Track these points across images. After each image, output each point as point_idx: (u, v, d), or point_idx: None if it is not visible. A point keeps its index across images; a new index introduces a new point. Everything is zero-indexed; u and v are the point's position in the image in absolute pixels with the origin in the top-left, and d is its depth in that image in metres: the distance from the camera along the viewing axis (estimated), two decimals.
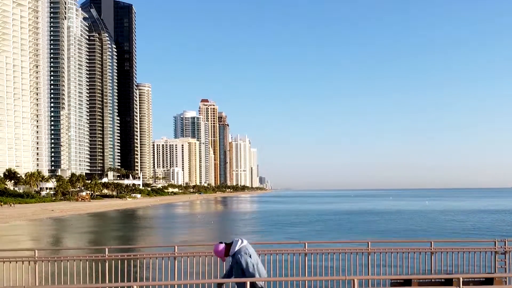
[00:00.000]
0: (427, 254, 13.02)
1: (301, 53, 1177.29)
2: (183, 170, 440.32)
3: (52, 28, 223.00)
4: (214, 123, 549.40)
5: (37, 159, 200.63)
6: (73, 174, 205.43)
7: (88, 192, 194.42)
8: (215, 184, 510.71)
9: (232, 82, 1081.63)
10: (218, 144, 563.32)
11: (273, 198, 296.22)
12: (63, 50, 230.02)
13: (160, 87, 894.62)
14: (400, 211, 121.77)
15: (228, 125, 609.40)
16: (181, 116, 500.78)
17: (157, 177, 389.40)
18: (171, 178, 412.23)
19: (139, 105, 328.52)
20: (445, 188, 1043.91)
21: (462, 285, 9.09)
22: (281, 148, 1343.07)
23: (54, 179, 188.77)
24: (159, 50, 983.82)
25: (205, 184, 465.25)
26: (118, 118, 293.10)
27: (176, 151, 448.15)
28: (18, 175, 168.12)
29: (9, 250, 17.26)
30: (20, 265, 12.90)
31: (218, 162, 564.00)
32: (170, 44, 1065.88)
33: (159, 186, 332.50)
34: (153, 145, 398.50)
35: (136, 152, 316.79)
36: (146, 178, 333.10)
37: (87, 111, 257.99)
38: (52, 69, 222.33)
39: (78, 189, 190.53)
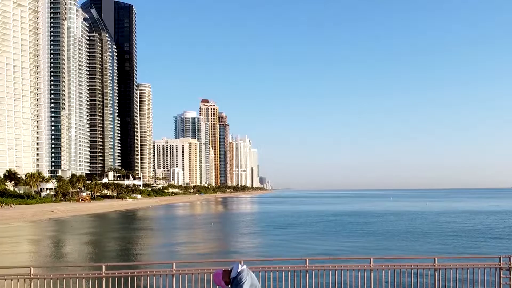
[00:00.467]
0: (431, 270, 12.82)
1: (301, 53, 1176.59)
2: (183, 171, 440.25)
3: (52, 29, 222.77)
4: (214, 123, 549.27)
5: (37, 159, 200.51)
6: (73, 175, 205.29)
7: (88, 192, 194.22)
8: (215, 184, 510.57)
9: (233, 82, 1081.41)
10: (218, 144, 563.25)
11: (273, 199, 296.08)
12: (63, 51, 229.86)
13: (160, 87, 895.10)
14: (401, 212, 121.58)
15: (228, 125, 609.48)
16: (182, 116, 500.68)
17: (158, 177, 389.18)
18: (172, 178, 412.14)
19: (140, 105, 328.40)
20: (445, 189, 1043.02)
21: None
22: (282, 148, 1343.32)
23: (54, 180, 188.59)
24: (159, 50, 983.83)
25: (206, 185, 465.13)
26: (119, 119, 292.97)
27: (176, 151, 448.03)
28: (18, 176, 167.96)
29: (3, 268, 16.81)
30: (16, 283, 12.63)
31: (219, 162, 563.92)
32: (171, 44, 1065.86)
33: (160, 186, 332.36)
34: (154, 145, 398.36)
35: (136, 153, 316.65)
36: (146, 178, 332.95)
37: (87, 112, 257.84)
38: (52, 69, 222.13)
39: (79, 189, 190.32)
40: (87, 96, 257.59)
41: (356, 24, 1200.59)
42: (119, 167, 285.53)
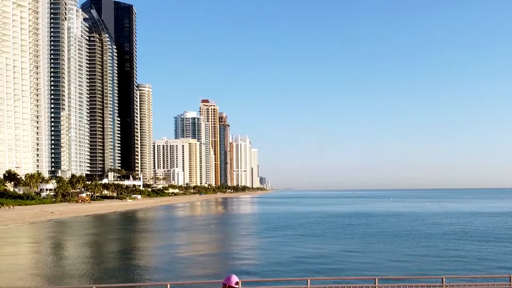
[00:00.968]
0: None
1: (302, 53, 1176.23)
2: (183, 171, 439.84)
3: (52, 29, 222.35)
4: (214, 124, 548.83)
5: (37, 160, 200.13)
6: (73, 175, 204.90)
7: (88, 193, 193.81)
8: (215, 184, 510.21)
9: (233, 83, 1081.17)
10: (218, 145, 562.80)
11: (274, 199, 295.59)
12: (63, 51, 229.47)
13: (160, 88, 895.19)
14: (401, 213, 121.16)
15: (228, 125, 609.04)
16: (182, 117, 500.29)
17: (158, 177, 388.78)
18: (172, 178, 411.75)
19: (140, 106, 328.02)
20: (445, 189, 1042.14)
21: None
22: (282, 148, 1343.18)
23: (54, 180, 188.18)
24: (159, 51, 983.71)
25: (206, 185, 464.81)
26: (119, 119, 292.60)
27: (176, 152, 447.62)
28: (18, 177, 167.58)
29: None
30: None
31: (219, 162, 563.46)
32: (171, 44, 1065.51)
33: (160, 187, 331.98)
34: (154, 145, 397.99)
35: (136, 153, 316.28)
36: (146, 179, 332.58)
37: (87, 112, 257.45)
38: (52, 70, 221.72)
39: (78, 190, 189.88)
40: (87, 97, 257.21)
41: (357, 24, 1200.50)
42: (119, 168, 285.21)
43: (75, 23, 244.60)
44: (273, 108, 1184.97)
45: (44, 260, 46.69)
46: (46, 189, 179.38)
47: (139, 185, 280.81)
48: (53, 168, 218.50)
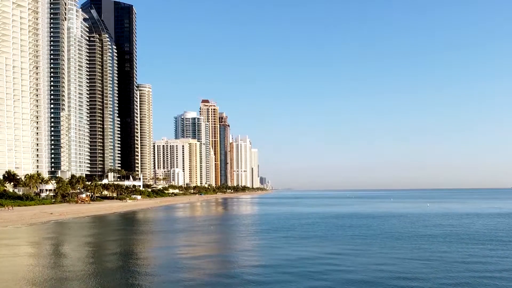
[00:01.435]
0: None
1: (302, 53, 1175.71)
2: (183, 171, 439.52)
3: (52, 29, 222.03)
4: (214, 124, 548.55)
5: (37, 160, 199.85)
6: (73, 176, 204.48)
7: (88, 193, 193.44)
8: (215, 184, 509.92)
9: (233, 83, 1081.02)
10: (218, 145, 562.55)
11: (274, 200, 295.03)
12: (63, 51, 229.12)
13: (160, 88, 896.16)
14: (402, 214, 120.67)
15: (228, 125, 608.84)
16: (182, 117, 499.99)
17: (158, 178, 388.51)
18: (172, 179, 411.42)
19: (140, 106, 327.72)
20: (445, 189, 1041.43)
21: None
22: (282, 148, 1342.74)
23: (54, 181, 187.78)
24: (159, 51, 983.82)
25: (206, 185, 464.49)
26: (119, 119, 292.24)
27: (176, 152, 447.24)
28: (18, 177, 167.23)
29: None
30: None
31: (219, 162, 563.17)
32: (171, 44, 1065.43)
33: (160, 187, 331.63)
34: (154, 146, 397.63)
35: (136, 153, 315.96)
36: (146, 179, 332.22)
37: (87, 112, 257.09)
38: (52, 70, 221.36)
39: (78, 190, 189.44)
40: (87, 97, 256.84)
41: (357, 24, 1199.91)
42: (119, 168, 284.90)
43: (75, 23, 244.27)
44: (273, 108, 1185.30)
45: (42, 263, 46.25)
46: (46, 190, 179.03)
47: (139, 186, 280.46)
48: (52, 169, 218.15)
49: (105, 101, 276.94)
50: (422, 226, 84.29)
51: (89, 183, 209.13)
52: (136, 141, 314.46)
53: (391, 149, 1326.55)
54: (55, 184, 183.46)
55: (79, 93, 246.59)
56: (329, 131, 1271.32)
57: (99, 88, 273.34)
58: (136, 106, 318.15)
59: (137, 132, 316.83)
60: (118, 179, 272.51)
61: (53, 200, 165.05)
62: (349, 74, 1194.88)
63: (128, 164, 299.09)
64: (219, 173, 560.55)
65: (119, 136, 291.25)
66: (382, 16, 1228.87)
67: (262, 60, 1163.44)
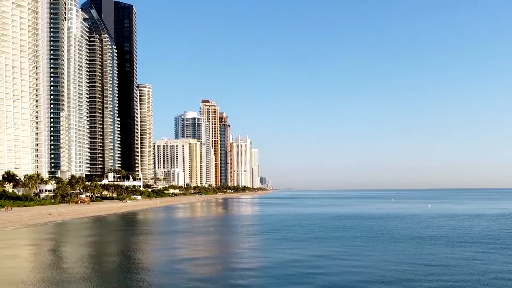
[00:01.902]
0: None
1: (302, 53, 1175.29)
2: (183, 171, 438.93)
3: (52, 29, 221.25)
4: (215, 124, 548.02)
5: (37, 161, 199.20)
6: (72, 176, 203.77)
7: (88, 194, 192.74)
8: (216, 184, 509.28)
9: (233, 83, 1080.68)
10: (219, 145, 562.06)
11: (274, 200, 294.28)
12: (63, 51, 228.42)
13: (160, 88, 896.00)
14: (404, 215, 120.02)
15: (229, 125, 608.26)
16: (182, 117, 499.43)
17: (158, 178, 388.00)
18: (172, 179, 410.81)
19: (140, 106, 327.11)
20: (445, 189, 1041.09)
21: None
22: (282, 148, 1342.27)
23: (54, 181, 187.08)
24: (159, 51, 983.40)
25: (206, 185, 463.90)
26: (119, 119, 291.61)
27: (176, 152, 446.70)
28: (17, 178, 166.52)
29: None
30: None
31: (219, 162, 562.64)
32: (171, 44, 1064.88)
33: (160, 187, 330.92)
34: (154, 146, 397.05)
35: (136, 153, 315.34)
36: (146, 179, 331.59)
37: (87, 112, 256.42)
38: (52, 70, 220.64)
39: (78, 191, 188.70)
40: (87, 97, 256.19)
41: (356, 25, 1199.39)
42: (119, 168, 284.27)
43: (75, 23, 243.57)
44: (273, 108, 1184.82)
45: (39, 266, 45.60)
46: (45, 190, 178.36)
47: (139, 186, 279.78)
48: (52, 169, 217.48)
49: (105, 101, 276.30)
50: (424, 227, 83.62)
51: (89, 183, 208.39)
52: (136, 141, 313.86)
53: (391, 149, 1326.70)
54: (54, 184, 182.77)
55: (79, 93, 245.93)
56: (329, 131, 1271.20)
57: (99, 88, 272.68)
58: (136, 106, 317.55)
59: (137, 132, 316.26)
60: (118, 179, 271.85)
61: (52, 201, 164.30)
62: (349, 74, 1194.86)
63: (128, 164, 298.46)
64: (219, 173, 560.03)
65: (119, 136, 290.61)
66: (382, 16, 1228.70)
67: (262, 60, 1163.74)
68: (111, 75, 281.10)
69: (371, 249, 54.90)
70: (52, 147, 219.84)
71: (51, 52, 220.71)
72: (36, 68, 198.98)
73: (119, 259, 50.59)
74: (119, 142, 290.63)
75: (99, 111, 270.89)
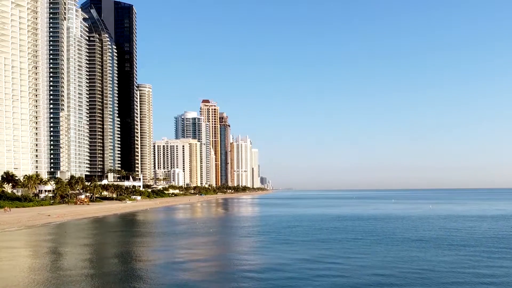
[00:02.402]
0: None
1: (302, 53, 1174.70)
2: (184, 171, 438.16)
3: (51, 29, 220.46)
4: (215, 124, 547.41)
5: (36, 161, 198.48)
6: (72, 176, 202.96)
7: (88, 194, 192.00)
8: (216, 185, 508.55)
9: (233, 82, 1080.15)
10: (219, 145, 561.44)
11: (274, 200, 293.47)
12: (63, 51, 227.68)
13: (160, 88, 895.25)
14: (405, 216, 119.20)
15: (229, 125, 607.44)
16: (182, 117, 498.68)
17: (158, 178, 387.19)
18: (172, 179, 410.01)
19: (140, 106, 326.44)
20: (446, 189, 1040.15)
21: None
22: (283, 148, 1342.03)
23: (53, 182, 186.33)
24: (159, 51, 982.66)
25: (206, 185, 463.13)
26: (119, 119, 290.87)
27: (177, 152, 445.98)
28: (16, 178, 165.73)
29: None
30: None
31: (219, 162, 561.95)
32: (171, 44, 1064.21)
33: (160, 187, 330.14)
34: (154, 146, 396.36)
35: (136, 153, 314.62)
36: (146, 179, 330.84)
37: (87, 113, 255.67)
38: (51, 70, 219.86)
39: (77, 191, 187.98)
40: (86, 97, 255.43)
41: (356, 25, 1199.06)
42: (119, 168, 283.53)
43: (74, 23, 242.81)
44: (273, 108, 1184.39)
45: (36, 268, 44.83)
46: (45, 191, 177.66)
47: (139, 186, 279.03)
48: (52, 169, 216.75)
49: (105, 101, 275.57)
50: (427, 229, 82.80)
51: (89, 183, 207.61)
52: (136, 141, 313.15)
53: (391, 149, 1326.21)
54: (54, 185, 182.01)
55: (79, 93, 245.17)
56: (329, 131, 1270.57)
57: (99, 88, 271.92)
58: (136, 106, 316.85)
59: (137, 132, 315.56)
60: (118, 180, 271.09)
61: (52, 201, 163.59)
62: (349, 74, 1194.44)
63: (128, 164, 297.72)
64: (219, 173, 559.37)
65: (119, 136, 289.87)
66: (381, 16, 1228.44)
67: (263, 60, 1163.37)
68: (111, 75, 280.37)
69: (372, 252, 54.13)
70: (52, 147, 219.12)
71: (51, 52, 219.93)
72: (36, 68, 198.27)
73: (117, 261, 49.84)
74: (119, 142, 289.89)
75: (99, 111, 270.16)
